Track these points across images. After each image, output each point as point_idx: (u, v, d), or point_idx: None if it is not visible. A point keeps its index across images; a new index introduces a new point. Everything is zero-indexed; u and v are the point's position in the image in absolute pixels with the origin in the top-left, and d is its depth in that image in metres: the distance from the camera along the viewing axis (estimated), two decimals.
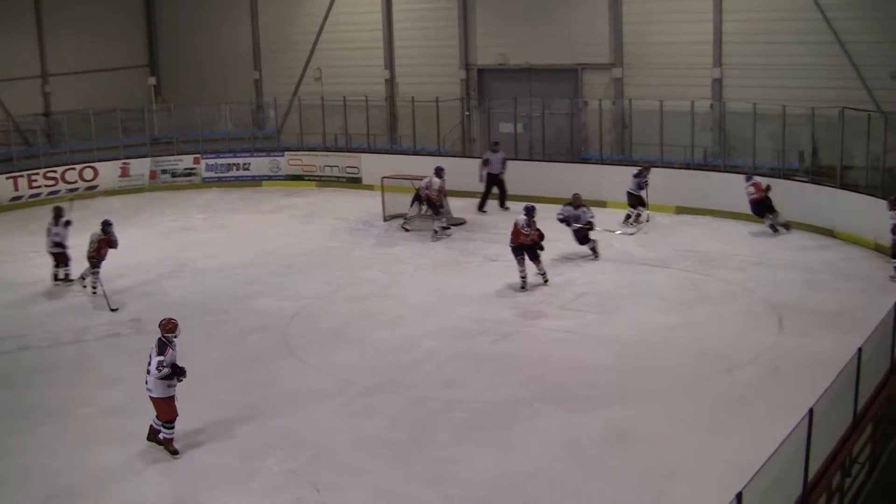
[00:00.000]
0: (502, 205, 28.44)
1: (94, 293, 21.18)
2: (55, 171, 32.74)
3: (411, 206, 26.43)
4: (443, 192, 25.98)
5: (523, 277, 20.47)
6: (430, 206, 25.24)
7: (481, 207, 28.38)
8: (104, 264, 21.30)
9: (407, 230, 26.12)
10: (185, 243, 26.23)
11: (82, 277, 21.67)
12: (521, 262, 20.53)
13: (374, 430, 14.30)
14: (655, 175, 26.99)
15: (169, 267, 23.82)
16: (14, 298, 21.75)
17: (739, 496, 7.92)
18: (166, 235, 27.11)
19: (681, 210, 26.88)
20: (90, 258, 21.31)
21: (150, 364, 13.85)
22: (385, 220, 27.19)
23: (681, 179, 27.38)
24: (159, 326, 14.22)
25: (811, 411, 9.74)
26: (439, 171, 25.31)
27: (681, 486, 12.30)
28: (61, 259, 22.11)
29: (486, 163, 28.30)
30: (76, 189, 32.92)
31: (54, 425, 15.03)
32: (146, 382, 13.90)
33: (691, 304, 19.42)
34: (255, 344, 18.32)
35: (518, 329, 18.24)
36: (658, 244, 23.81)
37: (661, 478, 12.49)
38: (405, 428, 14.39)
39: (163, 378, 13.77)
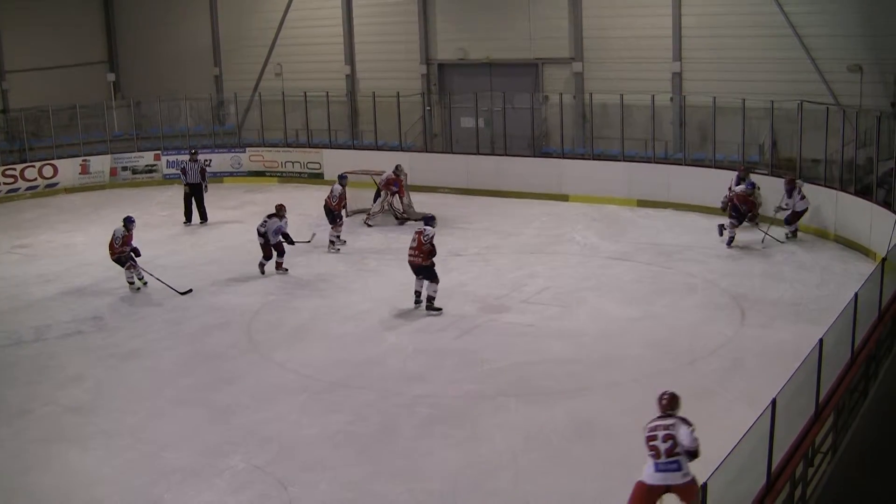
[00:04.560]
0: (202, 218, 27.94)
1: (145, 284, 21.47)
2: (14, 169, 32.60)
3: (374, 201, 26.45)
4: (403, 187, 26.06)
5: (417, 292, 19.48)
6: (329, 215, 24.84)
7: (188, 219, 27.87)
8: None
9: (370, 225, 26.14)
10: (146, 240, 26.02)
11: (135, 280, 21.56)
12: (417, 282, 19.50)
13: (339, 425, 14.29)
14: (616, 169, 27.20)
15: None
16: None
17: (704, 487, 7.97)
18: None
19: (642, 203, 27.03)
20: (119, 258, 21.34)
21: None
22: (348, 215, 27.13)
23: (642, 173, 27.53)
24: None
25: (774, 402, 9.81)
26: (341, 179, 24.91)
27: (640, 477, 12.34)
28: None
29: (183, 172, 27.87)
30: (36, 187, 32.70)
31: (16, 425, 14.91)
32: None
33: (653, 296, 19.52)
34: (218, 340, 18.26)
35: (481, 323, 18.27)
36: (620, 237, 23.93)
37: (625, 468, 12.51)
38: (370, 423, 14.38)
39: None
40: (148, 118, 35.54)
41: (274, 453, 13.48)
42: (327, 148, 33.52)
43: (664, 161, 27.91)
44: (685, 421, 10.30)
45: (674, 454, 9.97)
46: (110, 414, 15.18)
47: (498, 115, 30.90)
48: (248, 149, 34.72)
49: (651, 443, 10.07)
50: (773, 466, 9.67)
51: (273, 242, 21.68)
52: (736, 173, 24.06)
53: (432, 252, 18.85)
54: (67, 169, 33.54)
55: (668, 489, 9.94)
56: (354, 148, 33.22)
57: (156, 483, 12.86)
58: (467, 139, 31.66)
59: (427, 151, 32.47)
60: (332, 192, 24.33)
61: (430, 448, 13.52)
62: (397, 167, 26.26)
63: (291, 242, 22.06)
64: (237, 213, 28.76)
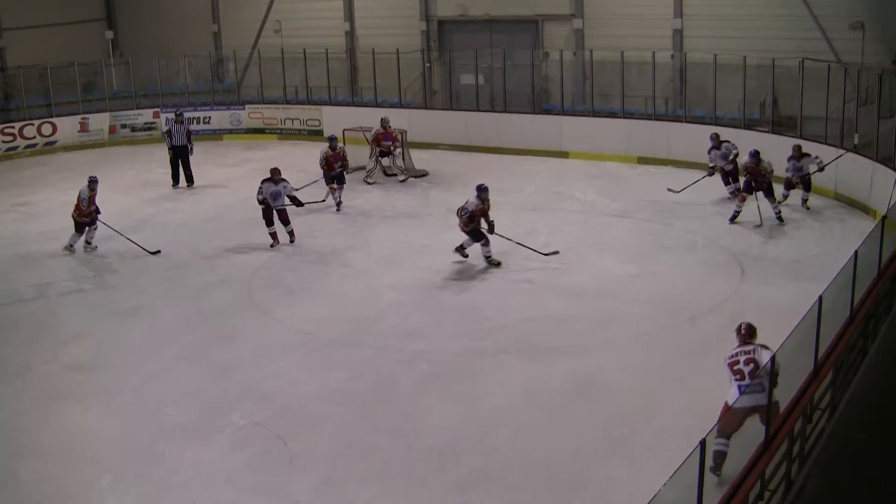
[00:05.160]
0: (189, 181, 27.38)
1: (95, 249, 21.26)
2: (13, 127, 32.48)
3: (370, 158, 26.35)
4: (397, 140, 25.97)
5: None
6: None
7: (175, 182, 27.37)
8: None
9: (369, 183, 26.04)
10: (146, 198, 26.09)
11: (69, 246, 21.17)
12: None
13: (339, 382, 14.34)
14: (617, 126, 27.16)
15: (130, 222, 23.64)
16: None
17: (703, 443, 7.99)
18: (127, 190, 26.92)
19: (643, 160, 26.98)
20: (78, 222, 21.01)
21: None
22: (348, 172, 27.08)
23: (642, 130, 27.47)
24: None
25: (773, 358, 9.84)
26: (332, 139, 24.44)
27: (643, 433, 12.40)
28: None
29: (168, 134, 27.35)
30: (35, 145, 32.63)
31: (17, 383, 14.96)
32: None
33: (653, 253, 19.52)
34: (218, 297, 18.28)
35: (481, 280, 18.28)
36: (620, 195, 23.89)
37: (624, 426, 12.60)
38: (369, 380, 14.43)
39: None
40: (146, 76, 35.36)
41: (274, 410, 13.53)
42: (327, 105, 33.41)
43: (664, 118, 27.84)
44: (765, 347, 10.78)
45: (756, 377, 10.37)
46: (111, 371, 15.22)
47: (498, 72, 30.78)
48: (247, 106, 34.61)
49: (735, 367, 10.70)
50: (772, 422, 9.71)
51: (276, 207, 20.83)
52: (710, 143, 23.61)
53: (470, 221, 18.84)
54: (66, 127, 33.43)
55: (754, 410, 10.17)
56: (354, 105, 33.09)
57: (157, 440, 12.91)
58: (467, 96, 31.54)
59: (427, 108, 32.37)
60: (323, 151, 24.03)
61: (429, 405, 13.57)
62: (383, 119, 26.11)
63: (300, 204, 21.55)
64: (236, 170, 28.70)
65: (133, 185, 27.35)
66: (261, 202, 20.77)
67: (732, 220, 21.07)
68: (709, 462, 9.42)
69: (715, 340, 15.05)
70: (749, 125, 25.74)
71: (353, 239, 21.52)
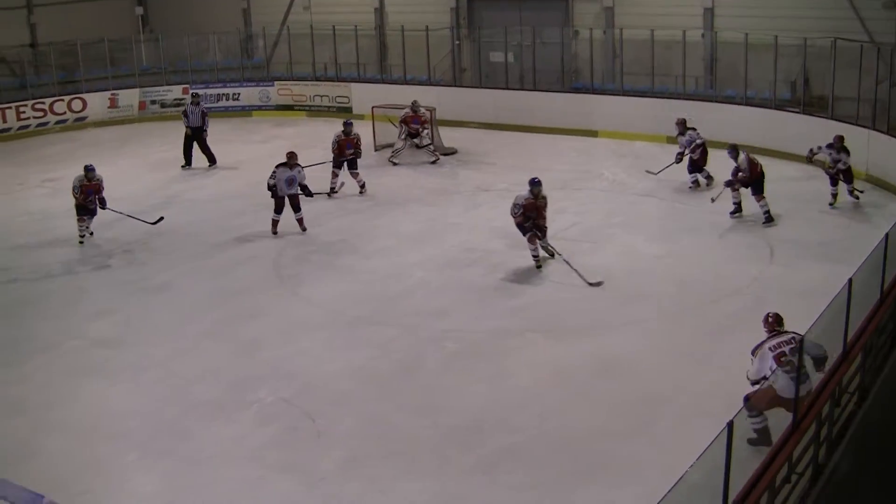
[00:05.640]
0: (211, 161, 27.05)
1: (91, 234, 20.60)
2: (43, 103, 32.56)
3: (399, 138, 26.22)
4: (425, 122, 25.79)
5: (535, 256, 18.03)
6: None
7: (187, 163, 27.00)
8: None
9: (394, 163, 25.91)
10: (174, 175, 26.14)
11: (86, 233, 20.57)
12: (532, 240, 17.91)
13: (365, 360, 14.35)
14: (646, 105, 27.01)
15: (158, 198, 23.76)
16: (2, 231, 21.69)
17: (730, 425, 7.94)
18: (156, 166, 26.99)
19: (672, 140, 26.76)
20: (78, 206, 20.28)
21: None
22: (376, 149, 27.07)
23: (671, 109, 27.16)
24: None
25: (802, 340, 9.78)
26: (346, 124, 23.66)
27: (668, 414, 12.36)
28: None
29: (185, 115, 27.04)
30: (65, 120, 32.77)
31: (46, 358, 15.06)
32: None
33: (680, 234, 19.41)
34: (245, 275, 18.33)
35: (508, 259, 18.22)
36: (649, 175, 23.76)
37: (649, 406, 12.56)
38: (396, 358, 14.44)
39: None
40: (176, 52, 35.39)
41: (300, 387, 13.57)
42: (356, 82, 33.34)
43: (694, 98, 27.59)
44: (798, 334, 10.71)
45: (802, 365, 10.20)
46: (138, 348, 15.29)
47: (527, 50, 30.61)
48: (276, 82, 34.57)
49: (783, 359, 10.62)
50: (801, 405, 9.65)
51: (288, 194, 20.36)
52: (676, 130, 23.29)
53: (525, 219, 17.62)
54: (96, 103, 33.53)
55: (792, 404, 10.04)
56: (383, 82, 33.00)
57: (184, 416, 12.98)
58: (496, 74, 31.43)
59: (456, 86, 32.24)
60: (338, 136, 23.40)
61: (455, 383, 13.58)
62: (413, 103, 25.96)
63: (310, 194, 20.98)
64: (265, 147, 28.67)
65: (162, 161, 27.38)
66: (270, 188, 20.30)
67: (733, 213, 20.68)
68: (741, 440, 9.43)
69: (741, 322, 14.97)
70: (780, 105, 25.52)
71: (380, 217, 21.50)
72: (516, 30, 30.86)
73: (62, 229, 20.55)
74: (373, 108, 28.03)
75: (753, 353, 11.03)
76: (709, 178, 22.53)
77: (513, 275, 17.50)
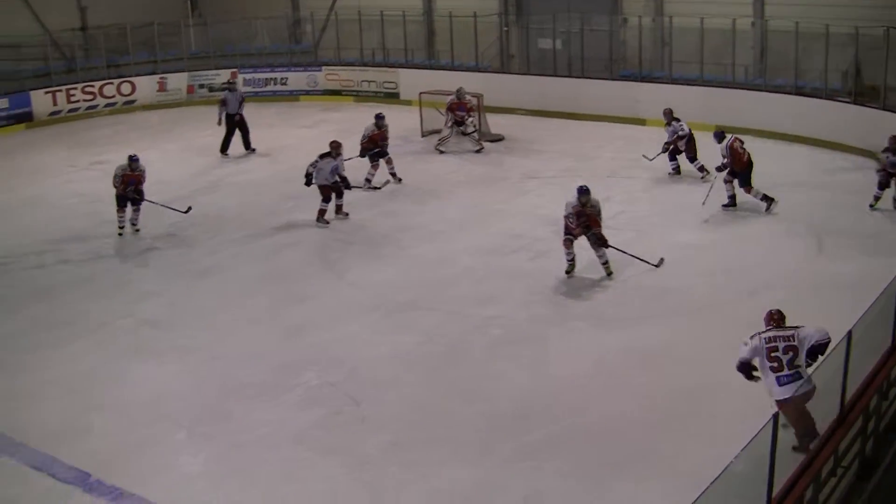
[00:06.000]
0: (248, 147, 27.06)
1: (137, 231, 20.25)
2: (93, 86, 32.90)
3: (444, 125, 26.14)
4: (471, 109, 25.69)
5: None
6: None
7: (224, 150, 26.94)
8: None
9: (441, 151, 25.83)
10: (221, 158, 26.26)
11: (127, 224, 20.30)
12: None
13: (411, 346, 14.38)
14: (695, 93, 26.84)
15: (205, 181, 23.94)
16: (53, 213, 21.93)
17: (776, 416, 7.91)
18: (203, 150, 27.14)
19: (720, 129, 26.59)
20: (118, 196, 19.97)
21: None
22: (423, 136, 27.09)
23: (720, 98, 27.08)
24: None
25: (850, 333, 9.70)
26: (378, 118, 23.19)
27: (709, 405, 12.26)
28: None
29: (223, 103, 26.88)
30: (114, 104, 33.03)
31: (94, 338, 15.22)
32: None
33: (728, 223, 19.28)
34: (291, 259, 18.42)
35: (554, 246, 18.11)
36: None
37: (690, 397, 12.49)
38: (440, 344, 14.45)
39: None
40: (224, 36, 35.56)
41: (345, 371, 13.62)
42: (403, 68, 33.37)
43: (743, 86, 27.40)
44: (799, 327, 10.49)
45: (794, 365, 10.13)
46: (185, 329, 15.41)
47: (575, 37, 30.48)
48: (324, 67, 34.67)
49: (773, 354, 10.26)
50: (847, 398, 9.58)
51: (329, 183, 20.24)
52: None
53: (578, 226, 16.57)
54: (145, 86, 33.82)
55: (807, 396, 10.01)
56: (430, 68, 33.01)
57: (230, 397, 13.07)
58: (544, 61, 31.34)
59: (503, 72, 32.16)
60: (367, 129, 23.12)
61: (500, 370, 13.57)
62: (459, 90, 25.88)
63: (349, 187, 20.85)
64: (312, 131, 28.77)
65: (208, 145, 27.49)
66: (307, 175, 20.19)
67: (726, 206, 20.30)
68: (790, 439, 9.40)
69: (790, 313, 14.82)
70: (830, 95, 25.27)
71: (426, 203, 21.51)
72: (565, 17, 30.70)
73: (111, 212, 20.67)
74: (420, 93, 28.04)
75: (750, 338, 10.59)
76: (702, 169, 22.38)
77: (558, 262, 17.42)
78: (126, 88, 33.45)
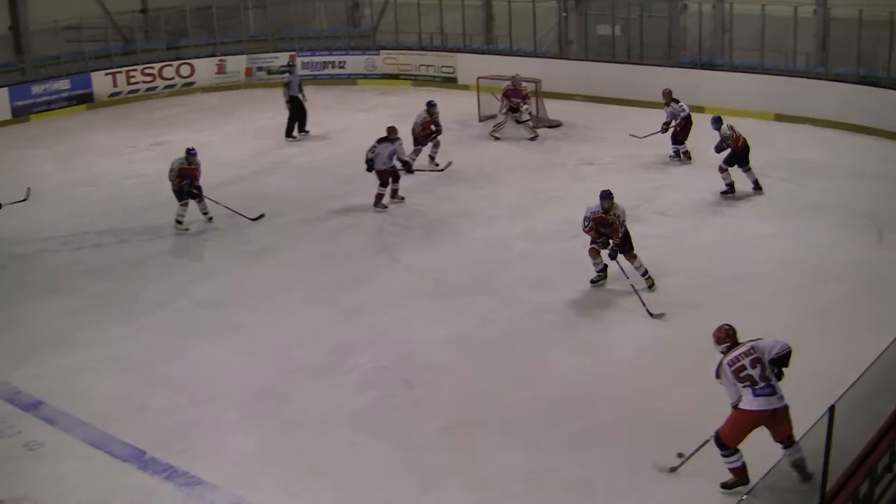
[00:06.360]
0: (301, 128, 27.04)
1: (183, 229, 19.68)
2: (152, 68, 33.12)
3: (499, 111, 25.99)
4: (527, 96, 25.54)
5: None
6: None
7: (289, 134, 26.86)
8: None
9: (496, 138, 25.71)
10: (280, 141, 26.37)
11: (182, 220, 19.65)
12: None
13: (466, 330, 14.39)
14: (755, 81, 26.58)
15: (264, 163, 24.06)
16: (113, 193, 22.17)
17: (832, 409, 7.84)
18: (262, 132, 27.27)
19: (780, 117, 26.36)
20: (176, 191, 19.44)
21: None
22: (480, 120, 27.03)
23: (780, 86, 26.80)
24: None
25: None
26: (430, 105, 23.15)
27: None
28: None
29: (287, 86, 26.85)
30: (173, 85, 33.28)
31: (152, 316, 15.39)
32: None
33: (787, 213, 19.05)
34: (349, 241, 18.49)
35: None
36: (756, 152, 23.35)
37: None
38: (495, 329, 14.45)
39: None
40: (283, 19, 35.68)
41: (400, 354, 13.66)
42: (461, 52, 33.29)
43: (804, 75, 27.08)
44: (754, 340, 10.20)
45: (766, 377, 9.86)
46: (241, 310, 15.52)
47: (635, 23, 30.30)
48: (382, 51, 34.64)
49: (741, 374, 9.90)
50: None
51: (386, 168, 20.12)
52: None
53: (598, 234, 15.53)
54: (204, 68, 33.99)
55: (773, 414, 9.79)
56: (489, 53, 32.92)
57: (284, 378, 13.16)
58: (603, 47, 31.17)
59: (562, 58, 31.99)
60: (419, 116, 23.16)
61: (554, 356, 13.55)
62: (514, 77, 25.68)
63: (410, 171, 20.92)
64: (370, 115, 28.78)
65: (267, 127, 27.63)
66: (367, 161, 20.11)
67: (725, 193, 20.19)
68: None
69: (848, 305, 14.74)
70: (893, 84, 24.95)
71: (483, 188, 21.47)
72: (624, 2, 30.53)
73: (169, 193, 20.82)
74: (478, 78, 27.97)
75: (717, 375, 10.28)
76: (686, 153, 22.49)
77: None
78: (185, 70, 33.67)
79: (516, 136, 25.53)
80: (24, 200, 18.89)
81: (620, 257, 15.32)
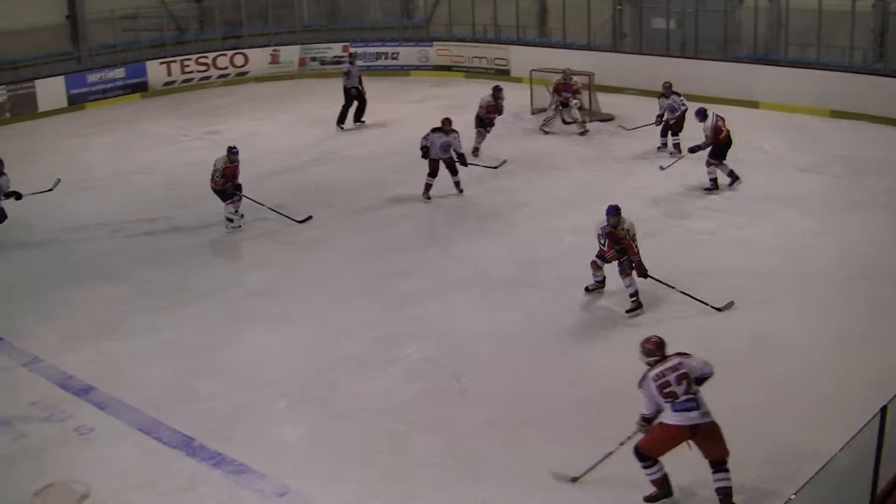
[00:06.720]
0: (358, 118, 27.14)
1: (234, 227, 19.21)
2: (206, 57, 33.35)
3: (550, 107, 25.88)
4: (577, 91, 25.40)
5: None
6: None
7: (340, 122, 26.92)
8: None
9: (545, 132, 25.64)
10: (332, 131, 26.46)
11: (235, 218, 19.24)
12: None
13: (513, 324, 14.37)
14: (810, 77, 26.32)
15: (316, 153, 24.16)
16: (166, 181, 22.34)
17: (884, 410, 7.76)
18: (315, 122, 27.39)
19: (836, 114, 26.10)
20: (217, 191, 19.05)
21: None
22: (533, 113, 26.97)
23: (836, 82, 26.51)
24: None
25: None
26: (495, 90, 23.41)
27: (816, 395, 12.06)
28: None
29: (347, 75, 26.97)
30: (227, 75, 33.48)
31: (202, 304, 15.52)
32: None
33: (841, 211, 18.85)
34: (398, 232, 18.53)
35: (661, 228, 18.01)
36: (809, 148, 23.21)
37: (797, 385, 12.30)
38: (543, 323, 14.42)
39: None
40: (336, 10, 35.77)
41: (448, 346, 13.68)
42: (515, 45, 33.21)
43: (862, 71, 26.79)
44: (683, 354, 10.09)
45: (690, 392, 9.77)
46: (290, 299, 15.59)
47: (689, 17, 30.10)
48: (435, 43, 34.63)
49: (665, 389, 9.78)
50: None
51: (442, 158, 20.13)
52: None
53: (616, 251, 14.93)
54: (257, 58, 34.16)
55: (693, 430, 9.70)
56: (542, 45, 32.80)
57: (333, 368, 13.21)
58: (657, 40, 30.98)
59: (615, 51, 31.84)
60: (482, 102, 23.38)
61: (601, 351, 13.54)
62: (565, 71, 25.56)
63: (465, 163, 20.69)
64: (422, 106, 28.82)
65: (319, 118, 27.74)
66: (422, 148, 20.10)
67: (708, 190, 20.17)
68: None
69: None
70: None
71: (533, 181, 21.42)
72: None
73: None
74: (531, 71, 27.92)
75: (640, 385, 10.12)
76: (676, 147, 22.51)
77: (665, 245, 17.25)
78: (239, 60, 33.86)
79: (567, 130, 25.45)
80: (51, 190, 19.16)
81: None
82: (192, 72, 33.06)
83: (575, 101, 25.27)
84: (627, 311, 14.60)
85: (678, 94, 22.63)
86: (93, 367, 13.47)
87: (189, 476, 10.89)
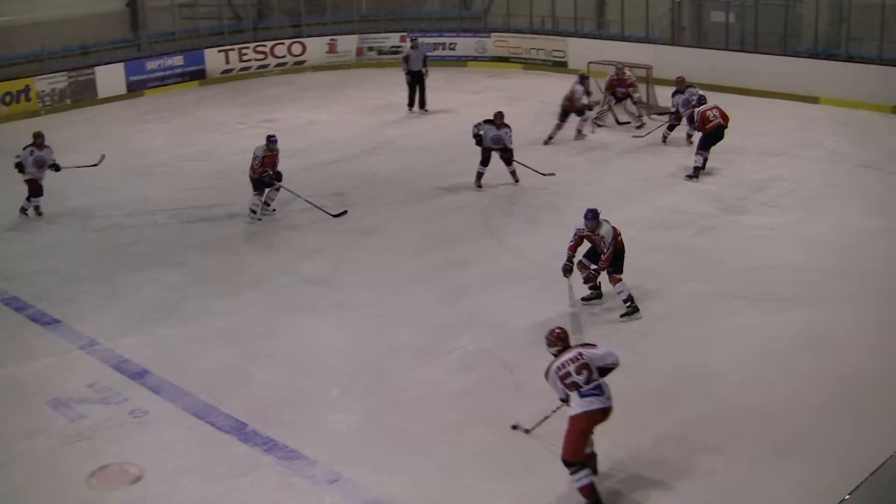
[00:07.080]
0: (422, 105, 27.47)
1: (274, 212, 19.39)
2: (264, 46, 33.58)
3: (601, 104, 25.70)
4: (632, 86, 25.24)
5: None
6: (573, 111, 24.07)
7: (411, 105, 27.45)
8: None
9: (598, 125, 25.42)
10: (388, 120, 26.53)
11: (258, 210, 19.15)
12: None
13: (566, 317, 14.31)
14: (872, 72, 25.99)
15: (372, 143, 24.20)
16: (223, 167, 22.50)
17: None
18: (371, 112, 27.48)
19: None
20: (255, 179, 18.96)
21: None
22: (590, 106, 26.85)
23: None
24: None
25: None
26: (582, 79, 24.12)
27: (874, 395, 11.91)
28: None
29: (406, 60, 27.21)
30: (284, 63, 33.63)
31: (258, 291, 15.61)
32: None
33: None
34: (454, 223, 18.52)
35: (719, 223, 17.90)
36: (870, 145, 22.94)
37: (854, 385, 12.17)
38: (597, 315, 14.38)
39: None
40: (395, 0, 35.83)
41: (501, 337, 13.66)
42: (572, 37, 33.08)
43: None
44: (586, 345, 10.17)
45: (591, 380, 9.82)
46: (345, 287, 15.64)
47: (749, 10, 29.84)
48: (492, 34, 34.59)
49: (567, 380, 9.88)
50: None
51: (494, 148, 20.05)
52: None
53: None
54: (315, 47, 34.32)
55: (604, 413, 9.84)
56: (600, 38, 32.64)
57: (386, 357, 13.23)
58: (716, 34, 30.74)
59: (674, 45, 31.63)
60: (572, 91, 23.69)
61: (657, 345, 13.44)
62: (618, 67, 25.35)
63: (511, 161, 20.49)
64: (478, 97, 28.81)
65: (376, 107, 27.85)
66: (475, 136, 20.10)
67: (691, 177, 20.47)
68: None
69: None
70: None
71: (590, 173, 21.37)
72: None
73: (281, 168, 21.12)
74: (588, 63, 27.81)
75: (546, 376, 10.18)
76: (689, 137, 22.52)
77: (722, 239, 17.17)
78: (297, 49, 34.03)
79: (617, 126, 25.30)
80: (95, 165, 19.44)
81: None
82: (249, 60, 33.29)
83: (636, 94, 25.08)
84: (622, 316, 14.34)
85: (693, 87, 22.39)
86: (148, 351, 13.61)
87: (241, 461, 10.96)
